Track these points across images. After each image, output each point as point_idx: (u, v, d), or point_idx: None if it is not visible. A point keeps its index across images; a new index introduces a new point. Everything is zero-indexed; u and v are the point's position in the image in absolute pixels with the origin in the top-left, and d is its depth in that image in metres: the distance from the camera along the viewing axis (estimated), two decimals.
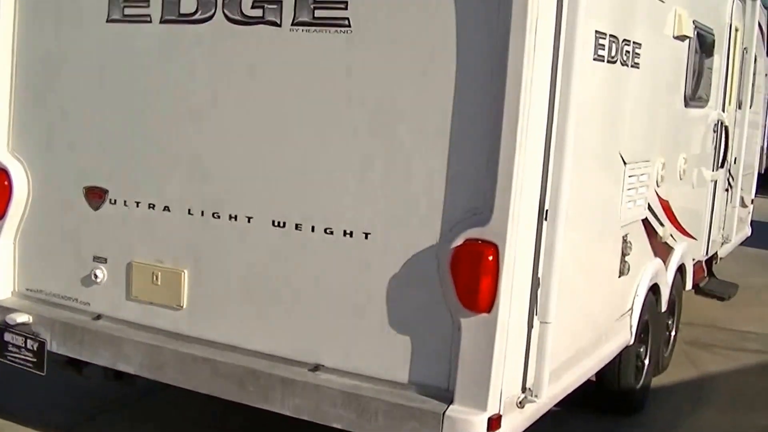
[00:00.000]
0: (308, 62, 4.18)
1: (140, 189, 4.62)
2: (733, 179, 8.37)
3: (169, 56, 4.49)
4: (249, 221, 4.37)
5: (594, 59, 4.48)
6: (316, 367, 4.26)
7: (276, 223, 4.31)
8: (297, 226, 4.26)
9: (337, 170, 4.19)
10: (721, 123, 7.55)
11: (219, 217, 4.43)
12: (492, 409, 3.89)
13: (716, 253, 8.27)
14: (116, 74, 4.64)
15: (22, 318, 4.78)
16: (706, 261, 8.05)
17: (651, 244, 5.98)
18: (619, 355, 5.65)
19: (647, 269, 5.91)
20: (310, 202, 4.25)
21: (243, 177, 4.40)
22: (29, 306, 4.90)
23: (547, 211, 4.03)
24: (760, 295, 9.94)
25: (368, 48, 4.06)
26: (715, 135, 7.53)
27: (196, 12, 4.36)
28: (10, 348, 4.79)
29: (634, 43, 5.08)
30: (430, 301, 4.00)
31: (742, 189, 9.12)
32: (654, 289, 6.20)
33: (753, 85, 9.05)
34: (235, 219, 4.40)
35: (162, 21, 4.45)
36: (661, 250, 6.28)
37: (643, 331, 6.12)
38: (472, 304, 3.88)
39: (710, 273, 8.44)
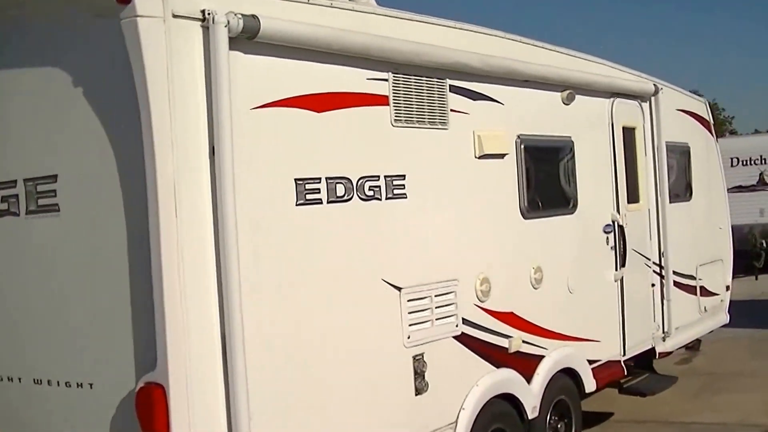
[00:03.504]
0: (39, 239, 5.07)
1: None
2: (663, 271, 8.44)
3: None
4: (20, 381, 5.19)
5: (300, 204, 5.04)
6: None
7: (36, 381, 5.11)
8: (49, 382, 5.05)
9: (67, 335, 4.97)
10: (615, 223, 7.77)
11: (10, 380, 5.28)
12: None
13: (653, 348, 8.32)
14: None
15: None
16: (639, 357, 8.13)
17: (484, 356, 6.30)
18: None
19: (479, 382, 6.22)
20: (53, 362, 5.03)
21: (13, 345, 5.25)
22: None
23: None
24: (739, 381, 9.79)
25: (72, 224, 4.91)
26: (611, 235, 7.74)
27: None
28: None
29: (386, 177, 5.58)
30: None
31: (700, 279, 9.13)
32: (509, 398, 6.50)
33: (688, 176, 9.18)
34: (11, 380, 5.24)
35: None
36: (513, 359, 6.56)
37: None
38: None
39: (650, 368, 8.48)
